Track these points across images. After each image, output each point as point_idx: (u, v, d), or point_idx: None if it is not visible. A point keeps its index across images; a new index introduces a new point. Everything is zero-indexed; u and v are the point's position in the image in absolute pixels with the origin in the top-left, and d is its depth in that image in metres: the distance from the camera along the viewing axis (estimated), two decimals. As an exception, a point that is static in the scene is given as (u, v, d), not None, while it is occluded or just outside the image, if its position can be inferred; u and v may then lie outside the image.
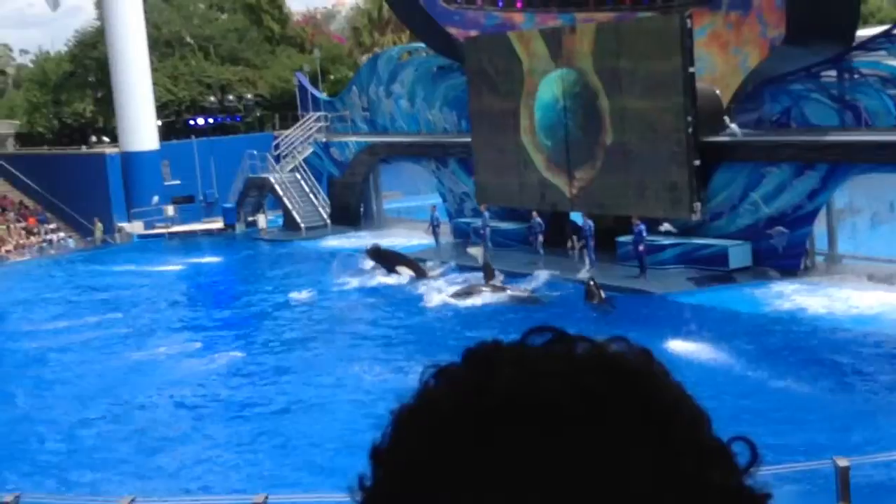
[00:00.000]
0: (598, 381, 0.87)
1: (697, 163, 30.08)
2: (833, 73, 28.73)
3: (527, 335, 0.93)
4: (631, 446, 0.84)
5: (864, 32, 29.85)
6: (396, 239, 40.84)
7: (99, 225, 48.62)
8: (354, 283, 33.53)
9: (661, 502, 0.83)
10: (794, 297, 27.35)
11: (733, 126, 30.17)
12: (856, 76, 28.31)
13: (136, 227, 48.84)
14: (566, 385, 0.86)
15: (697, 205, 30.30)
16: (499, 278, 30.87)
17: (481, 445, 0.84)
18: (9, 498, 13.13)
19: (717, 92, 31.26)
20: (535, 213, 34.17)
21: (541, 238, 33.72)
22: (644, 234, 30.04)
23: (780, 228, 29.14)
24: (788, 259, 29.18)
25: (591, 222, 31.83)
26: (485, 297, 29.71)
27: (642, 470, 0.83)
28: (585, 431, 0.84)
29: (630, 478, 0.83)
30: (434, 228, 37.61)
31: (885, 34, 28.17)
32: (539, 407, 0.85)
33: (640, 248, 29.99)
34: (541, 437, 0.84)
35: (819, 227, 29.55)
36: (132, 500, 12.66)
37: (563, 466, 0.83)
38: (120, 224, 49.04)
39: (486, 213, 36.14)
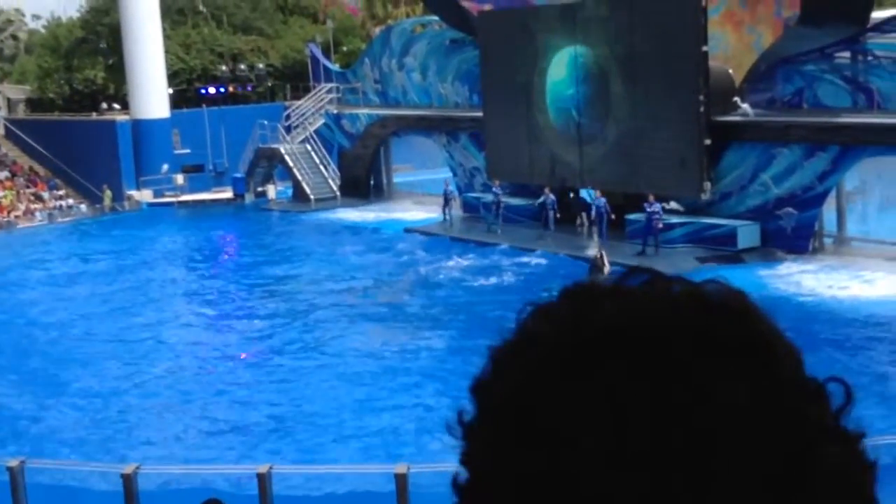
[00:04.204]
0: (699, 317, 0.88)
1: (708, 142, 29.99)
2: (847, 54, 28.58)
3: (623, 276, 0.93)
4: (731, 379, 0.85)
5: (878, 14, 29.68)
6: (406, 212, 40.88)
7: (108, 192, 48.63)
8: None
9: (762, 435, 0.85)
10: (801, 278, 27.33)
11: (745, 106, 30.07)
12: (869, 58, 28.17)
13: (145, 195, 48.87)
14: (669, 319, 0.87)
15: (707, 184, 30.24)
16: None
17: (583, 378, 0.85)
18: (14, 463, 13.20)
19: (730, 71, 31.13)
20: (547, 190, 33.99)
21: (552, 215, 33.43)
22: (660, 213, 30.04)
23: (790, 209, 29.09)
24: (797, 240, 29.13)
25: (604, 199, 31.77)
26: None
27: (744, 403, 0.85)
28: (688, 365, 0.85)
29: (732, 411, 0.84)
30: (447, 202, 37.51)
31: (901, 16, 28.00)
32: (642, 339, 0.86)
33: (660, 225, 29.96)
34: (644, 370, 0.85)
35: (828, 208, 29.49)
36: (137, 467, 12.73)
37: (667, 399, 0.84)
38: (129, 192, 49.07)
39: (498, 189, 35.97)
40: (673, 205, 30.87)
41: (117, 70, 54.60)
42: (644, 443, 0.83)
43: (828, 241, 30.02)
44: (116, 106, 54.49)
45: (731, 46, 31.68)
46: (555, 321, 0.89)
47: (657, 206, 30.10)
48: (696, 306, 0.89)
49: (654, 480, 0.83)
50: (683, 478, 0.83)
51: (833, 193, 29.19)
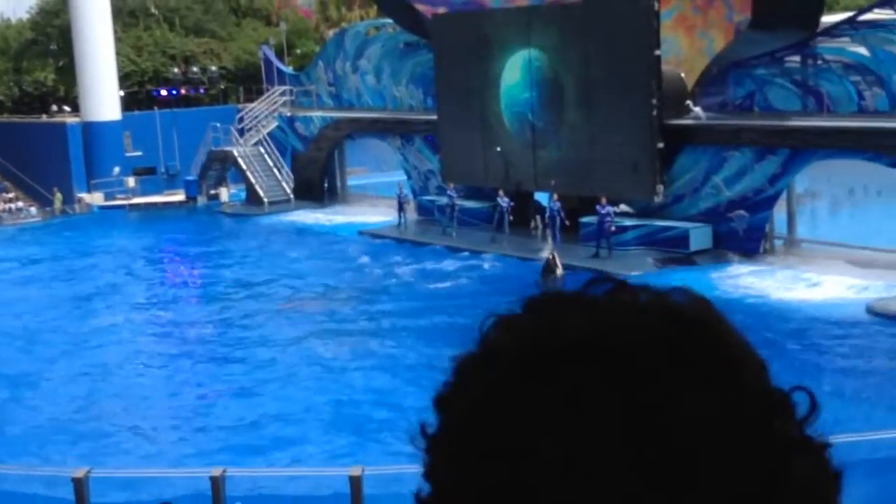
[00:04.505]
0: (665, 328, 0.87)
1: (661, 145, 30.21)
2: (797, 58, 28.93)
3: (587, 285, 0.92)
4: (700, 389, 0.85)
5: (828, 19, 30.06)
6: (360, 215, 40.79)
7: (59, 195, 48.11)
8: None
9: (731, 446, 0.84)
10: (750, 279, 27.60)
11: (697, 109, 30.32)
12: (819, 62, 28.51)
13: (96, 198, 48.39)
14: (636, 330, 0.86)
15: (660, 187, 30.45)
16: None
17: (546, 390, 0.84)
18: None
19: (682, 75, 31.36)
20: (501, 192, 34.01)
21: (507, 217, 33.45)
22: (612, 215, 30.23)
23: (741, 212, 29.35)
24: (748, 242, 29.41)
25: (558, 203, 31.87)
26: None
27: (710, 412, 0.84)
28: (655, 376, 0.84)
29: (697, 419, 0.84)
30: (401, 205, 37.44)
31: (849, 21, 28.37)
32: (608, 351, 0.85)
33: (613, 228, 30.11)
34: (610, 381, 0.84)
35: (779, 211, 29.79)
36: (88, 471, 12.59)
37: (634, 410, 0.83)
38: (80, 195, 48.56)
39: (453, 192, 35.88)
40: (622, 207, 31.06)
41: (68, 72, 54.02)
42: (609, 453, 0.82)
43: (778, 243, 30.32)
44: (67, 108, 53.91)
45: (684, 50, 31.89)
46: (518, 333, 0.88)
47: (609, 209, 30.27)
48: (661, 317, 0.88)
49: (620, 491, 0.82)
50: (649, 488, 0.82)
51: (784, 196, 29.50)
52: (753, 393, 0.87)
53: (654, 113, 30.00)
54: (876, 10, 28.47)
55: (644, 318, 0.87)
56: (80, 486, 12.22)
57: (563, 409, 0.83)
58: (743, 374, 0.88)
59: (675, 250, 29.80)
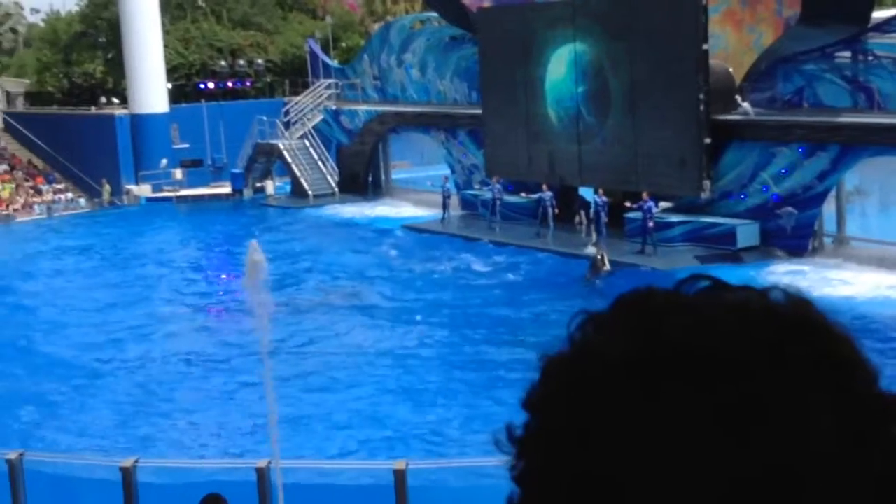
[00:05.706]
0: (771, 333, 0.83)
1: (708, 140, 29.96)
2: (847, 54, 28.57)
3: (680, 283, 0.89)
4: (811, 394, 0.82)
5: (879, 14, 29.68)
6: (403, 209, 40.84)
7: (107, 186, 48.61)
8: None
9: (841, 452, 0.81)
10: (799, 278, 27.26)
11: (745, 105, 30.05)
12: (870, 58, 28.15)
13: (143, 190, 48.83)
14: (742, 334, 0.83)
15: (707, 183, 30.20)
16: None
17: (653, 398, 0.81)
18: (12, 455, 13.16)
19: (730, 70, 31.11)
20: (545, 187, 33.85)
21: (552, 212, 33.32)
22: (653, 210, 30.02)
23: (789, 209, 29.07)
24: (796, 240, 29.11)
25: (604, 198, 31.65)
26: None
27: (823, 420, 0.81)
28: (766, 382, 0.81)
29: (810, 428, 0.81)
30: (445, 199, 37.41)
31: (901, 16, 28.01)
32: (718, 356, 0.82)
33: (650, 224, 29.89)
34: (722, 388, 0.81)
35: (828, 208, 29.46)
36: (136, 461, 12.70)
37: (745, 419, 0.80)
38: (128, 186, 49.03)
39: (498, 186, 35.80)
40: (662, 204, 30.77)
41: (116, 64, 54.53)
42: (714, 462, 0.80)
43: (827, 241, 29.99)
44: (115, 100, 54.38)
45: (732, 45, 31.67)
46: (616, 336, 0.85)
47: (650, 204, 30.01)
48: (766, 320, 0.84)
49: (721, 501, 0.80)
50: (752, 500, 0.79)
51: (833, 193, 29.17)
52: (866, 397, 0.84)
53: (702, 108, 29.75)
54: (929, 6, 28.10)
55: (746, 320, 0.84)
56: (127, 475, 12.33)
57: (667, 414, 0.81)
58: (854, 377, 0.84)
59: (721, 247, 29.55)
